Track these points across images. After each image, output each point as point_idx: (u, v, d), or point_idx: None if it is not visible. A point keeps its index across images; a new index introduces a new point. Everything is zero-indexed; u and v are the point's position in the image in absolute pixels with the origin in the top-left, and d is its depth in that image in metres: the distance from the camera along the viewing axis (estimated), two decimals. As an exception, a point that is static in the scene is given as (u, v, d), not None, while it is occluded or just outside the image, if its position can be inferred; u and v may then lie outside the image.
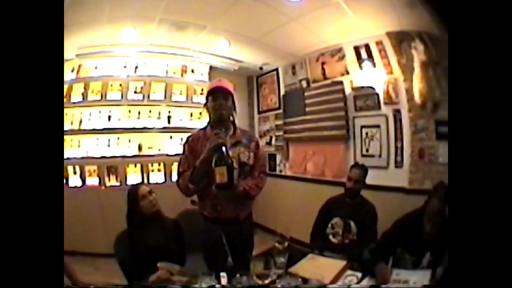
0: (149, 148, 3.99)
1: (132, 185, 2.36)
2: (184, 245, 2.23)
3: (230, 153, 1.97)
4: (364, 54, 3.50)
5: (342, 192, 2.71)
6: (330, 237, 2.58)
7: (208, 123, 2.09)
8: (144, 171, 3.90)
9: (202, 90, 4.15)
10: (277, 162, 4.65)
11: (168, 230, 2.21)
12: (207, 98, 2.05)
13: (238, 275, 1.62)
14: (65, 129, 3.76)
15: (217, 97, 1.98)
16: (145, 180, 3.88)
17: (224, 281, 1.60)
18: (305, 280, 1.62)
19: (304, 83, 4.17)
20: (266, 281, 1.49)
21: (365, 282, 1.66)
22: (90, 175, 3.80)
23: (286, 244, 1.82)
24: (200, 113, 4.12)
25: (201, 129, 2.12)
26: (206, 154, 1.85)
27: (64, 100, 3.80)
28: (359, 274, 1.73)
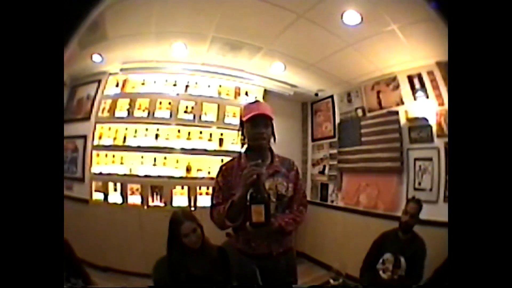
0: (198, 170, 5.08)
1: (175, 215, 2.84)
2: (229, 273, 2.67)
3: (267, 184, 2.42)
4: (417, 84, 4.48)
5: (396, 226, 3.44)
6: (380, 272, 3.26)
7: (244, 151, 2.61)
8: (192, 193, 4.96)
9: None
10: (329, 192, 5.67)
11: (213, 259, 2.71)
12: (243, 122, 2.53)
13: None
14: (107, 144, 4.95)
15: (258, 124, 2.43)
16: (192, 203, 4.92)
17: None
18: None
19: (360, 112, 5.27)
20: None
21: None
22: (133, 193, 4.90)
23: (341, 280, 2.43)
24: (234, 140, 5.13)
25: (235, 158, 2.64)
26: (244, 190, 2.25)
27: (108, 114, 4.98)
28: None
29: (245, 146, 2.61)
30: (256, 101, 2.81)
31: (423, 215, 3.73)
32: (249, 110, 2.50)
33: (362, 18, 3.69)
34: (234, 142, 5.14)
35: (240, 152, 2.66)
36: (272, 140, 2.59)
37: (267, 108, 2.54)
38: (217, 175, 2.64)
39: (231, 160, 2.68)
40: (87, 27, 3.52)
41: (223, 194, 2.52)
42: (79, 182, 4.83)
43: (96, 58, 4.65)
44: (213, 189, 2.63)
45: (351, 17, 3.66)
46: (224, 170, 2.62)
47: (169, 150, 5.10)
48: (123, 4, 3.53)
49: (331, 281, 2.50)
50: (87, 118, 4.97)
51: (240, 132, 2.64)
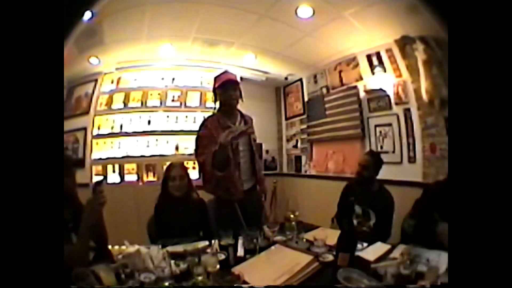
0: (185, 148, 4.74)
1: (171, 163, 2.69)
2: (208, 222, 2.54)
3: (246, 135, 2.46)
4: (375, 61, 4.13)
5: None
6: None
7: (218, 109, 2.57)
8: None
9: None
10: (303, 163, 5.35)
11: (193, 209, 2.53)
12: (215, 90, 2.52)
13: (251, 230, 2.03)
14: (105, 133, 4.57)
15: (228, 89, 2.44)
16: None
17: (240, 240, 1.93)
18: (310, 242, 2.02)
19: (324, 90, 4.91)
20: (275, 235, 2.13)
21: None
22: (129, 172, 4.54)
23: (297, 213, 2.31)
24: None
25: (213, 115, 2.57)
26: (225, 143, 2.18)
27: (105, 108, 4.61)
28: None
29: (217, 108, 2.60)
30: (224, 72, 2.64)
31: (389, 176, 3.30)
32: (219, 79, 2.53)
33: (313, 11, 3.49)
34: None
35: (214, 113, 2.62)
36: (240, 100, 2.60)
37: (233, 75, 2.56)
38: (200, 128, 2.54)
39: (210, 117, 2.59)
40: (85, 34, 3.48)
41: (206, 148, 2.40)
42: (80, 169, 4.40)
43: (93, 60, 4.35)
44: (198, 139, 2.51)
45: (304, 11, 3.47)
46: (208, 122, 2.53)
47: (160, 133, 4.77)
48: (119, 14, 3.37)
49: (289, 214, 2.33)
50: (86, 112, 4.62)
51: (213, 98, 2.62)
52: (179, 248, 1.91)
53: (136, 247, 1.84)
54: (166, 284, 1.54)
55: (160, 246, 1.94)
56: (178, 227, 2.34)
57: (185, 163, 4.38)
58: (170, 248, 1.91)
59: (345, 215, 2.42)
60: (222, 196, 2.50)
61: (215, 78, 2.56)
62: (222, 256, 1.74)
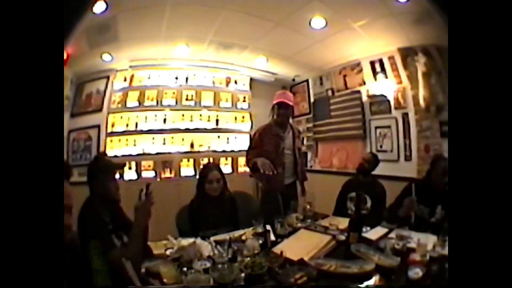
0: (200, 145, 5.22)
1: (208, 164, 3.37)
2: (237, 220, 2.87)
3: (292, 143, 3.40)
4: (378, 68, 4.62)
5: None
6: (349, 211, 3.30)
7: (273, 121, 3.33)
8: (196, 165, 5.09)
9: (245, 98, 5.62)
10: (308, 159, 5.90)
11: (226, 208, 2.87)
12: (275, 104, 3.27)
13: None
14: (120, 130, 4.89)
15: (283, 109, 3.25)
16: (197, 172, 4.86)
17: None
18: (325, 227, 2.68)
19: (329, 92, 5.45)
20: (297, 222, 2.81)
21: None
22: (146, 169, 4.89)
23: (312, 206, 3.04)
24: (243, 117, 5.61)
25: (268, 124, 3.36)
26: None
27: (119, 105, 4.91)
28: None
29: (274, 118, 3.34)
30: (284, 92, 3.43)
31: (387, 171, 4.00)
32: (277, 97, 3.31)
33: (326, 22, 3.85)
34: (227, 122, 5.54)
35: (270, 122, 3.38)
36: (291, 117, 3.49)
37: (289, 97, 3.37)
38: (256, 134, 3.40)
39: (265, 126, 3.39)
40: (98, 29, 3.61)
41: (255, 148, 3.25)
42: None
43: (106, 57, 4.51)
44: (250, 143, 3.44)
45: (318, 22, 3.83)
46: (261, 130, 3.35)
47: (176, 130, 5.18)
48: (136, 11, 3.53)
49: (307, 206, 3.06)
50: (99, 110, 4.85)
51: (272, 110, 3.34)
52: (224, 237, 2.34)
53: (190, 239, 2.25)
54: (219, 267, 1.80)
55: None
56: (212, 222, 2.69)
57: (200, 160, 5.04)
58: (217, 237, 2.37)
59: (345, 205, 3.32)
60: (267, 187, 3.28)
61: (277, 95, 3.35)
62: (260, 241, 2.22)
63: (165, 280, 1.80)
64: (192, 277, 1.76)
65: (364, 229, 2.47)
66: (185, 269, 1.85)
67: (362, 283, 1.80)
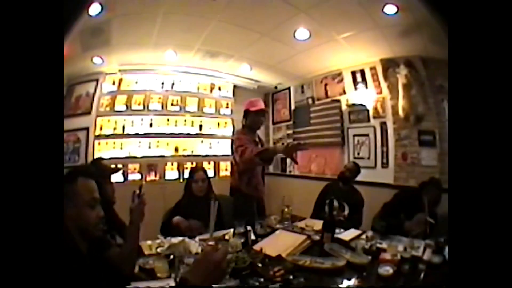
0: (183, 150, 5.40)
1: (195, 166, 3.70)
2: (221, 218, 2.93)
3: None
4: (359, 78, 4.82)
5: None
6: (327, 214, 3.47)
7: (244, 126, 3.40)
8: (180, 168, 5.27)
9: (228, 104, 5.84)
10: (288, 164, 6.18)
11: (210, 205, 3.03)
12: (248, 111, 3.34)
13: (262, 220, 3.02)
14: (108, 133, 4.96)
15: (259, 115, 3.35)
16: (181, 175, 5.19)
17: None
18: (302, 228, 2.91)
19: (310, 100, 5.70)
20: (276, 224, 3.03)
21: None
22: (132, 172, 4.99)
23: (290, 208, 3.21)
24: (226, 123, 5.83)
25: (239, 130, 3.46)
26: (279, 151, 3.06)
27: (108, 109, 5.00)
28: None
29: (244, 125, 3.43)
30: (258, 100, 3.48)
31: (364, 178, 4.12)
32: (254, 104, 3.38)
33: (310, 34, 3.96)
34: (210, 127, 5.74)
35: (240, 129, 3.50)
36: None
37: (264, 105, 3.46)
38: (237, 134, 3.46)
39: (240, 131, 3.45)
40: (91, 32, 3.64)
41: (246, 143, 3.14)
42: None
43: (96, 60, 4.62)
44: (238, 140, 3.24)
45: (302, 33, 3.94)
46: (240, 132, 3.41)
47: (161, 135, 5.33)
48: (130, 18, 3.61)
49: (285, 208, 3.21)
50: (88, 112, 4.95)
51: (244, 117, 3.41)
52: (208, 237, 2.49)
53: (180, 238, 2.46)
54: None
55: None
56: (198, 221, 2.85)
57: (184, 163, 5.23)
58: (203, 237, 2.60)
59: (323, 209, 3.25)
60: (249, 192, 3.32)
61: (250, 102, 3.41)
62: (242, 239, 2.44)
63: (158, 274, 1.98)
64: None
65: (337, 230, 2.69)
66: (176, 264, 1.98)
67: (334, 277, 1.99)
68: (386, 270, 2.01)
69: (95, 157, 4.70)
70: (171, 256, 2.17)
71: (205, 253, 1.30)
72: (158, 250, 2.34)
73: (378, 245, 2.46)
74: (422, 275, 2.01)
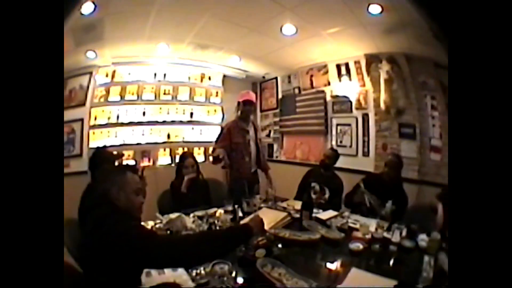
0: (175, 136, 5.67)
1: (185, 152, 4.19)
2: (209, 197, 3.51)
3: (255, 135, 3.88)
4: (343, 71, 5.02)
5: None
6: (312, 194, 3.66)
7: (238, 117, 3.81)
8: (172, 154, 5.57)
9: (217, 92, 6.13)
10: (274, 150, 6.48)
11: (200, 189, 3.47)
12: (239, 103, 3.77)
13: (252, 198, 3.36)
14: (102, 123, 5.12)
15: (248, 105, 3.75)
16: (173, 161, 5.46)
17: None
18: (284, 207, 3.24)
19: (296, 90, 5.95)
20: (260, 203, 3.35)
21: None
22: (127, 158, 5.14)
23: (274, 190, 3.62)
24: (215, 110, 6.13)
25: (234, 120, 3.84)
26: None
27: (102, 100, 5.14)
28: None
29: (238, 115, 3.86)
30: (247, 92, 3.89)
31: (345, 165, 4.51)
32: (244, 96, 3.79)
33: (296, 30, 4.06)
34: (201, 115, 6.00)
35: (236, 118, 3.88)
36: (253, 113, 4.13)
37: (253, 96, 3.87)
38: (225, 128, 3.82)
39: (232, 121, 3.87)
40: (85, 28, 3.68)
41: (224, 140, 3.65)
42: (77, 158, 4.86)
43: (90, 54, 4.67)
44: (221, 130, 3.85)
45: (288, 29, 4.03)
46: (230, 125, 3.79)
47: (154, 123, 5.55)
48: (123, 13, 3.66)
49: (269, 189, 3.63)
50: (83, 104, 5.05)
51: (238, 107, 3.84)
52: (202, 213, 2.93)
53: (177, 214, 2.71)
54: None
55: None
56: (191, 201, 3.24)
57: (175, 149, 5.52)
58: (196, 213, 2.93)
59: (306, 191, 3.53)
60: (236, 175, 3.73)
61: (241, 94, 3.84)
62: (230, 216, 2.83)
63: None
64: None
65: (316, 210, 3.03)
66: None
67: (309, 248, 2.31)
68: (357, 246, 2.28)
69: (90, 146, 4.90)
70: (168, 231, 2.46)
71: (255, 215, 2.08)
72: (157, 226, 2.60)
73: (352, 224, 2.80)
74: (393, 257, 2.19)
